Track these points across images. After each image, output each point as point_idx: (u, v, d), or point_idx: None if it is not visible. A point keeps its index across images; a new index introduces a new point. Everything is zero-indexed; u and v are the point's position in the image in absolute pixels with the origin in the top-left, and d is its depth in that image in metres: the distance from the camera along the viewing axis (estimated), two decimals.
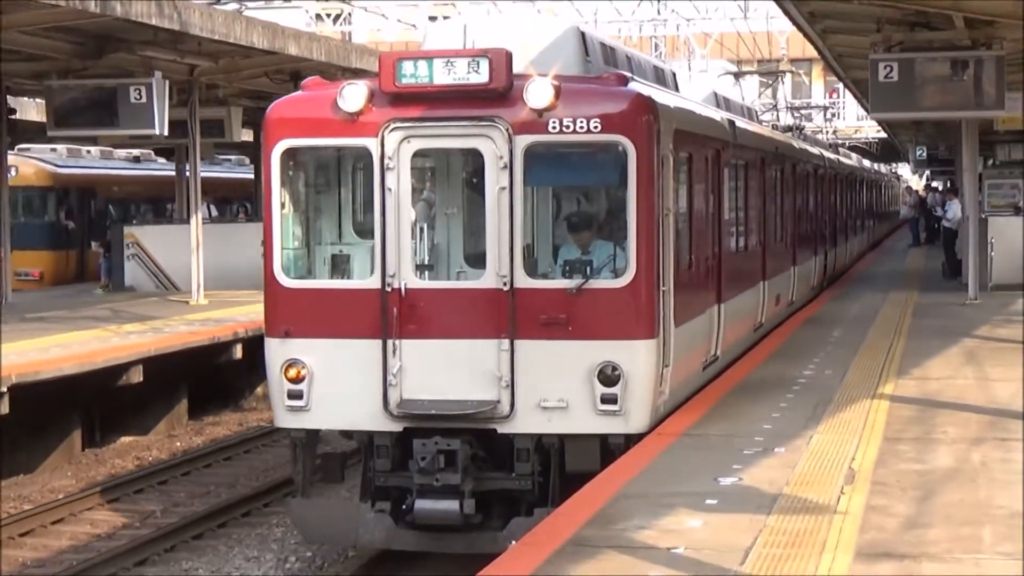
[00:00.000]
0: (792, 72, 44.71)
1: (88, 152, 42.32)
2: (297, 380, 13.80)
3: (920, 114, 26.57)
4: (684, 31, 57.27)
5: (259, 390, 26.67)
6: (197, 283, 29.36)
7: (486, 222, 13.65)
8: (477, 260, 14.05)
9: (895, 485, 11.34)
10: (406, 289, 13.58)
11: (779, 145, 25.76)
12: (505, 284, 13.43)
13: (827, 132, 57.67)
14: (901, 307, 26.57)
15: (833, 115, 69.85)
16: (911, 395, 15.95)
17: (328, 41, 32.62)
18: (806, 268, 28.09)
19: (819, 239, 30.74)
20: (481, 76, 13.30)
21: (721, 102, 22.65)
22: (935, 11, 22.01)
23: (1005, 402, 15.38)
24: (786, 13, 24.22)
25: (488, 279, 13.61)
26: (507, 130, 13.38)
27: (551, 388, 13.36)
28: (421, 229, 14.16)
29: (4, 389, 19.00)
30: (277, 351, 13.98)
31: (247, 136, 39.13)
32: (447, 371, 13.56)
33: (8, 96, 30.14)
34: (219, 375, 26.80)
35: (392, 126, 13.54)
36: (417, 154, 13.81)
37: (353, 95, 13.51)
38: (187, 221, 30.42)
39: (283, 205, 14.20)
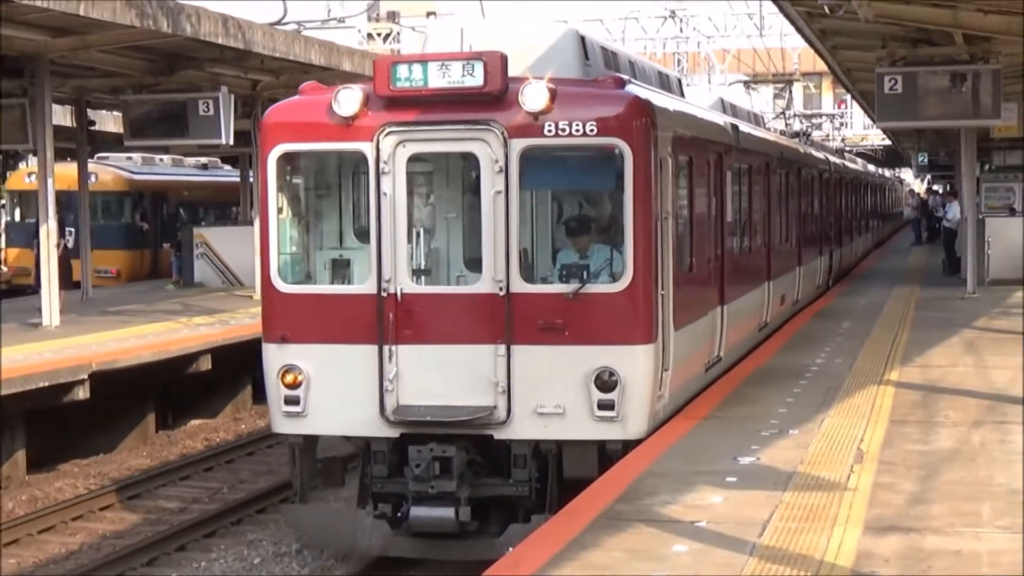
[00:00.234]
0: (798, 80, 44.47)
1: (160, 160, 42.47)
2: (294, 386, 12.86)
3: (922, 123, 26.54)
4: (704, 48, 57.17)
5: None
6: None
7: (482, 226, 12.64)
8: (477, 264, 12.99)
9: (901, 464, 11.32)
10: (402, 294, 12.63)
11: (784, 150, 24.75)
12: (501, 289, 12.42)
13: (834, 139, 57.49)
14: (905, 301, 26.48)
15: (842, 124, 69.82)
16: (915, 382, 15.88)
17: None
18: (811, 267, 27.00)
19: (824, 239, 29.65)
20: (476, 79, 12.31)
21: (728, 108, 21.55)
22: (936, 28, 21.99)
23: (1002, 388, 15.32)
24: (799, 31, 24.26)
25: (484, 284, 12.60)
26: (502, 133, 12.37)
27: (548, 394, 12.36)
28: (418, 234, 13.06)
29: (85, 377, 19.12)
30: (274, 356, 13.01)
31: None
32: (443, 377, 12.58)
33: (88, 109, 30.29)
34: None
35: (387, 130, 12.58)
36: (414, 158, 12.81)
37: (348, 99, 12.56)
38: (250, 222, 30.49)
39: (280, 210, 13.24)
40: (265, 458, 21.13)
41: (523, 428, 12.42)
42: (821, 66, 35.43)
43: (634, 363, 12.36)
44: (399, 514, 12.74)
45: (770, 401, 14.48)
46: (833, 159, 34.93)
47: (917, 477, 10.87)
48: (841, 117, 70.61)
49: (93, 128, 32.14)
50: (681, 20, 54.39)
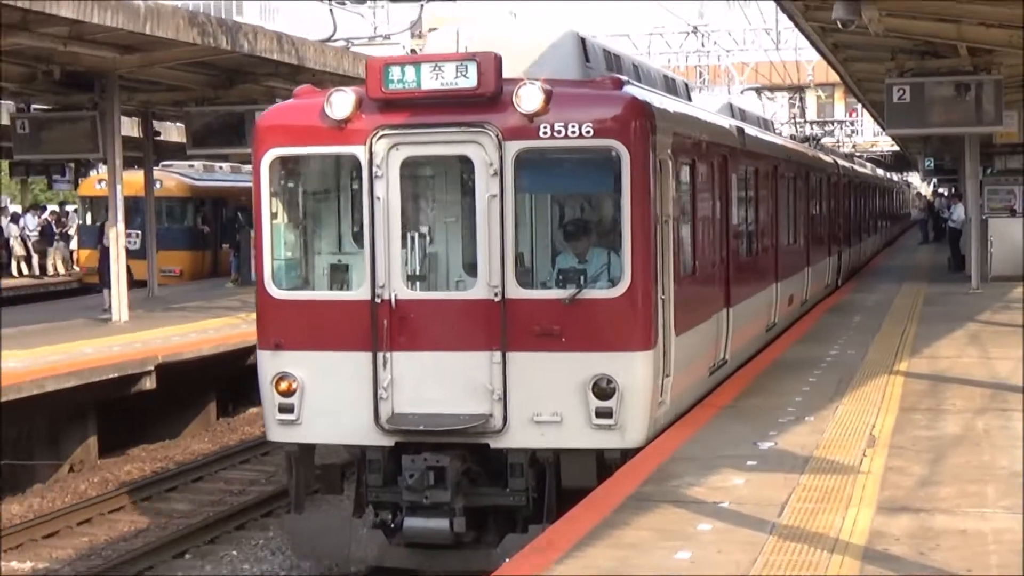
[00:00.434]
0: (808, 88, 44.16)
1: (220, 167, 42.64)
2: (288, 393, 11.83)
3: (929, 130, 26.47)
4: (724, 61, 56.99)
5: None
6: None
7: (476, 231, 11.59)
8: (476, 269, 11.92)
9: (910, 449, 11.28)
10: (396, 300, 11.57)
11: (792, 153, 23.45)
12: (497, 295, 11.37)
13: (844, 145, 57.28)
14: (913, 297, 26.36)
15: (853, 131, 69.58)
16: (923, 372, 15.80)
17: None
18: (820, 268, 25.83)
19: (833, 240, 28.41)
20: (470, 80, 11.27)
21: (736, 112, 20.26)
22: (942, 41, 21.97)
23: (1004, 377, 15.23)
24: (813, 45, 24.25)
25: (479, 289, 11.53)
26: (497, 136, 11.32)
27: (545, 401, 11.30)
28: (413, 238, 11.89)
29: (152, 368, 19.23)
30: (268, 364, 11.98)
31: None
32: (439, 384, 11.53)
33: (154, 121, 30.46)
34: None
35: (380, 133, 11.53)
36: (411, 161, 11.77)
37: (340, 102, 11.56)
38: None
39: (274, 215, 12.22)
40: None
41: (519, 437, 11.41)
42: (834, 77, 35.32)
43: (632, 370, 11.34)
44: (392, 525, 11.79)
45: (787, 390, 14.42)
46: (842, 163, 34.30)
47: (925, 461, 10.82)
48: (852, 124, 70.37)
49: (158, 138, 32.31)
50: (703, 35, 54.27)
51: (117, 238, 23.92)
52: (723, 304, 15.05)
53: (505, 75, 11.33)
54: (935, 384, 14.84)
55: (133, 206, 29.37)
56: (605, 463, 11.23)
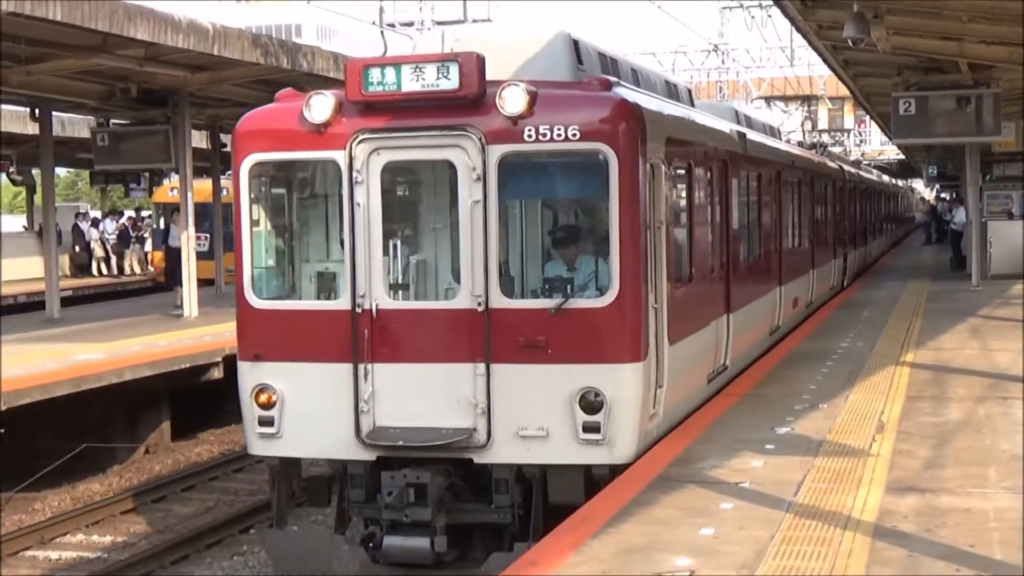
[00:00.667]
0: (816, 97, 43.79)
1: None
2: (268, 406, 10.67)
3: (932, 140, 26.35)
4: (742, 76, 56.87)
5: None
6: None
7: (459, 238, 10.39)
8: None
9: (916, 434, 11.21)
10: (377, 310, 10.38)
11: (796, 159, 21.81)
12: (480, 304, 10.17)
13: (853, 154, 56.99)
14: (918, 293, 26.20)
15: (861, 140, 69.30)
16: (928, 362, 15.69)
17: None
18: (825, 270, 24.40)
19: (838, 242, 27.09)
20: (451, 82, 10.08)
21: (742, 119, 18.86)
22: (945, 58, 21.91)
23: (1004, 367, 15.11)
24: (825, 62, 24.18)
25: (462, 299, 10.32)
26: (480, 139, 10.11)
27: (530, 415, 10.10)
28: (395, 246, 10.73)
29: (220, 359, 19.31)
30: (247, 375, 10.80)
31: None
32: (421, 397, 10.33)
33: (220, 134, 30.59)
34: None
35: (360, 137, 10.35)
36: (389, 167, 10.55)
37: (319, 105, 10.40)
38: None
39: (254, 222, 11.06)
40: None
41: (504, 451, 10.20)
42: (844, 91, 35.09)
43: (621, 383, 10.09)
44: (371, 544, 10.52)
45: (802, 380, 14.34)
46: (848, 168, 33.46)
47: (931, 445, 10.76)
48: (860, 135, 70.06)
49: (224, 149, 32.45)
50: (723, 53, 54.15)
51: (188, 241, 24.03)
52: (723, 310, 13.82)
53: (495, 77, 10.21)
54: (939, 374, 14.74)
55: (202, 211, 29.50)
56: (593, 479, 10.09)
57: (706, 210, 13.28)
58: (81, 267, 41.57)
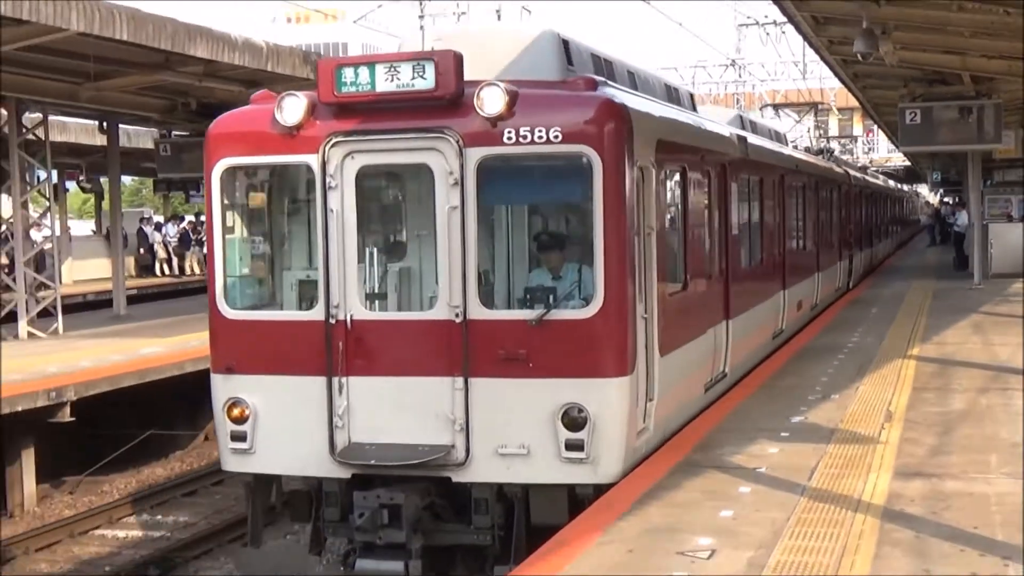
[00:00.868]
0: (822, 104, 43.31)
1: None
2: (240, 420, 9.59)
3: (937, 148, 26.19)
4: (758, 88, 56.65)
5: None
6: None
7: (436, 246, 9.28)
8: None
9: (922, 423, 11.14)
10: (352, 321, 9.29)
11: (800, 163, 20.60)
12: (458, 315, 9.07)
13: (862, 160, 56.73)
14: (923, 292, 26.03)
15: (870, 148, 69.02)
16: (932, 356, 15.59)
17: None
18: (831, 272, 23.26)
19: (844, 245, 25.97)
20: (427, 82, 8.98)
21: (747, 124, 17.65)
22: (948, 71, 21.80)
23: (1004, 360, 15.00)
24: (836, 75, 24.10)
25: (440, 310, 9.19)
26: (457, 142, 9.02)
27: (510, 432, 9.00)
28: (372, 254, 9.81)
29: None
30: (220, 388, 9.73)
31: None
32: (397, 412, 9.25)
33: None
34: None
35: (333, 140, 9.28)
36: (365, 171, 9.45)
37: (292, 107, 9.32)
38: None
39: (227, 229, 9.96)
40: None
41: (484, 470, 9.10)
42: (853, 102, 34.97)
43: (605, 398, 8.97)
44: (345, 564, 9.48)
45: (814, 372, 14.27)
46: (854, 173, 32.58)
47: (936, 433, 10.69)
48: (868, 143, 69.75)
49: None
50: (739, 67, 54.04)
51: None
52: (722, 316, 12.68)
53: (480, 78, 9.15)
54: (944, 367, 14.64)
55: None
56: (577, 499, 9.01)
57: (702, 215, 12.14)
58: (145, 268, 41.83)
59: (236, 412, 9.62)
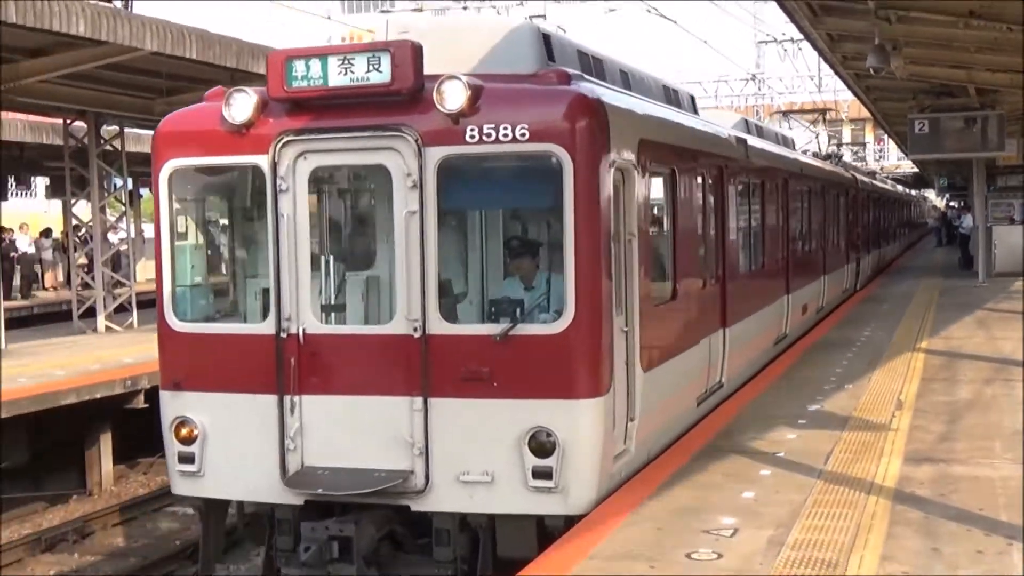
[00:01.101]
0: (831, 110, 42.93)
1: None
2: (188, 440, 8.31)
3: (943, 155, 26.07)
4: (776, 101, 56.43)
5: None
6: None
7: (394, 254, 7.96)
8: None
9: (931, 411, 11.05)
10: (305, 335, 7.98)
11: (805, 167, 18.99)
12: (416, 330, 7.75)
13: (872, 166, 56.38)
14: (930, 289, 25.83)
15: (881, 155, 68.63)
16: (940, 349, 15.46)
17: None
18: (838, 275, 21.78)
19: (851, 248, 24.52)
20: (383, 75, 7.64)
21: (752, 128, 16.30)
22: (955, 84, 21.69)
23: (1007, 353, 14.87)
24: (849, 88, 24.01)
25: (398, 324, 7.86)
26: (416, 141, 7.71)
27: (473, 458, 7.70)
28: (328, 263, 8.49)
29: None
30: (168, 405, 8.41)
31: None
32: (353, 434, 7.93)
33: None
34: None
35: (284, 139, 7.98)
36: (319, 173, 8.23)
37: (240, 103, 8.03)
38: None
39: (176, 235, 8.67)
40: None
41: (445, 498, 7.79)
42: (865, 113, 34.75)
43: (576, 422, 7.63)
44: None
45: (830, 364, 14.17)
46: (861, 178, 31.32)
47: (944, 421, 10.61)
48: (879, 151, 69.34)
49: None
50: (759, 81, 53.86)
51: None
52: (718, 325, 11.37)
53: (452, 73, 7.80)
54: (950, 359, 14.52)
55: None
56: (547, 530, 7.71)
57: (695, 219, 10.80)
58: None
59: (184, 432, 8.35)
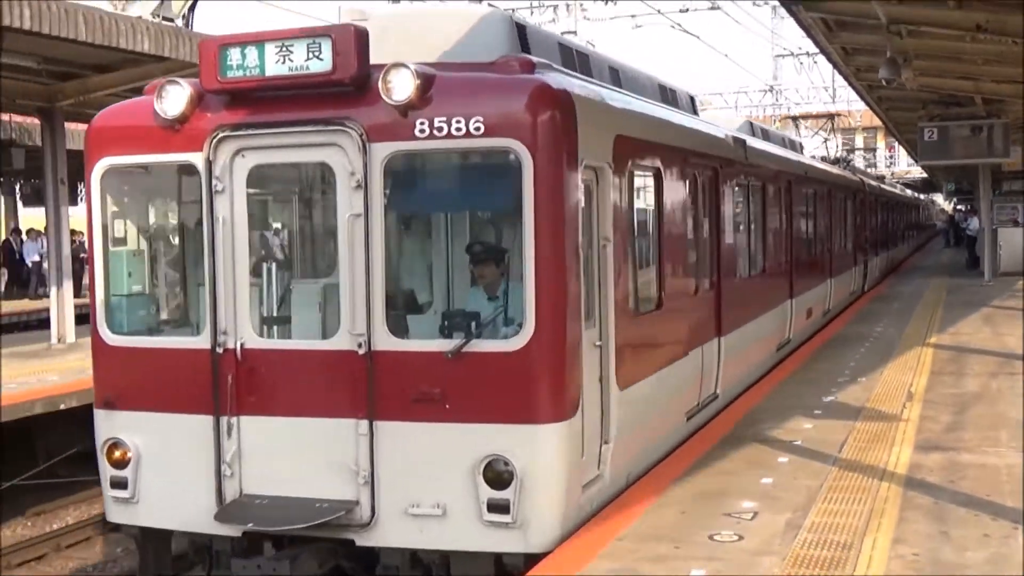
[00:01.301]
0: (840, 116, 42.61)
1: None
2: (121, 464, 7.21)
3: (952, 162, 25.90)
4: (793, 110, 56.19)
5: None
6: None
7: (338, 261, 6.83)
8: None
9: (940, 403, 10.98)
10: (243, 350, 6.90)
11: (810, 169, 17.69)
12: (361, 345, 6.65)
13: (878, 170, 56.03)
14: (939, 288, 25.64)
15: (891, 161, 68.26)
16: (948, 344, 15.34)
17: None
18: (845, 278, 20.55)
19: (859, 250, 23.44)
20: (324, 63, 6.52)
21: (757, 131, 15.23)
22: (963, 94, 21.56)
23: (1012, 348, 14.71)
24: (861, 98, 23.91)
25: (341, 338, 6.74)
26: (360, 136, 6.60)
27: (424, 488, 6.57)
28: (270, 271, 7.38)
29: None
30: (100, 425, 7.33)
31: None
32: (295, 459, 6.82)
33: None
34: None
35: (220, 135, 6.88)
36: (258, 171, 7.05)
37: (173, 96, 6.94)
38: None
39: (109, 240, 7.49)
40: None
41: (393, 532, 6.67)
42: (877, 122, 34.49)
43: (536, 449, 6.44)
44: None
45: (844, 358, 14.08)
46: (870, 182, 29.43)
47: (952, 412, 10.53)
48: (890, 157, 68.94)
49: None
50: (776, 92, 53.69)
51: None
52: (712, 334, 10.20)
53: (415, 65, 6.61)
54: (958, 354, 14.40)
55: None
56: (505, 568, 6.58)
57: (684, 222, 9.51)
58: None
59: (117, 454, 7.26)
